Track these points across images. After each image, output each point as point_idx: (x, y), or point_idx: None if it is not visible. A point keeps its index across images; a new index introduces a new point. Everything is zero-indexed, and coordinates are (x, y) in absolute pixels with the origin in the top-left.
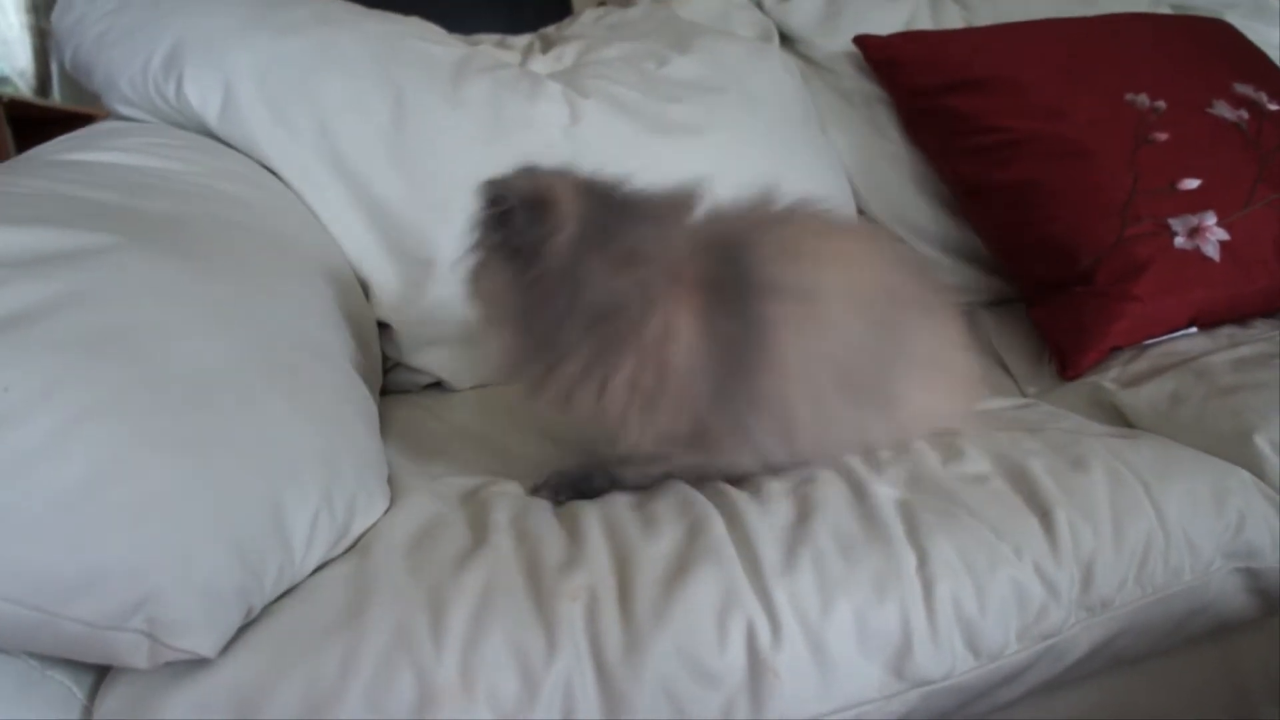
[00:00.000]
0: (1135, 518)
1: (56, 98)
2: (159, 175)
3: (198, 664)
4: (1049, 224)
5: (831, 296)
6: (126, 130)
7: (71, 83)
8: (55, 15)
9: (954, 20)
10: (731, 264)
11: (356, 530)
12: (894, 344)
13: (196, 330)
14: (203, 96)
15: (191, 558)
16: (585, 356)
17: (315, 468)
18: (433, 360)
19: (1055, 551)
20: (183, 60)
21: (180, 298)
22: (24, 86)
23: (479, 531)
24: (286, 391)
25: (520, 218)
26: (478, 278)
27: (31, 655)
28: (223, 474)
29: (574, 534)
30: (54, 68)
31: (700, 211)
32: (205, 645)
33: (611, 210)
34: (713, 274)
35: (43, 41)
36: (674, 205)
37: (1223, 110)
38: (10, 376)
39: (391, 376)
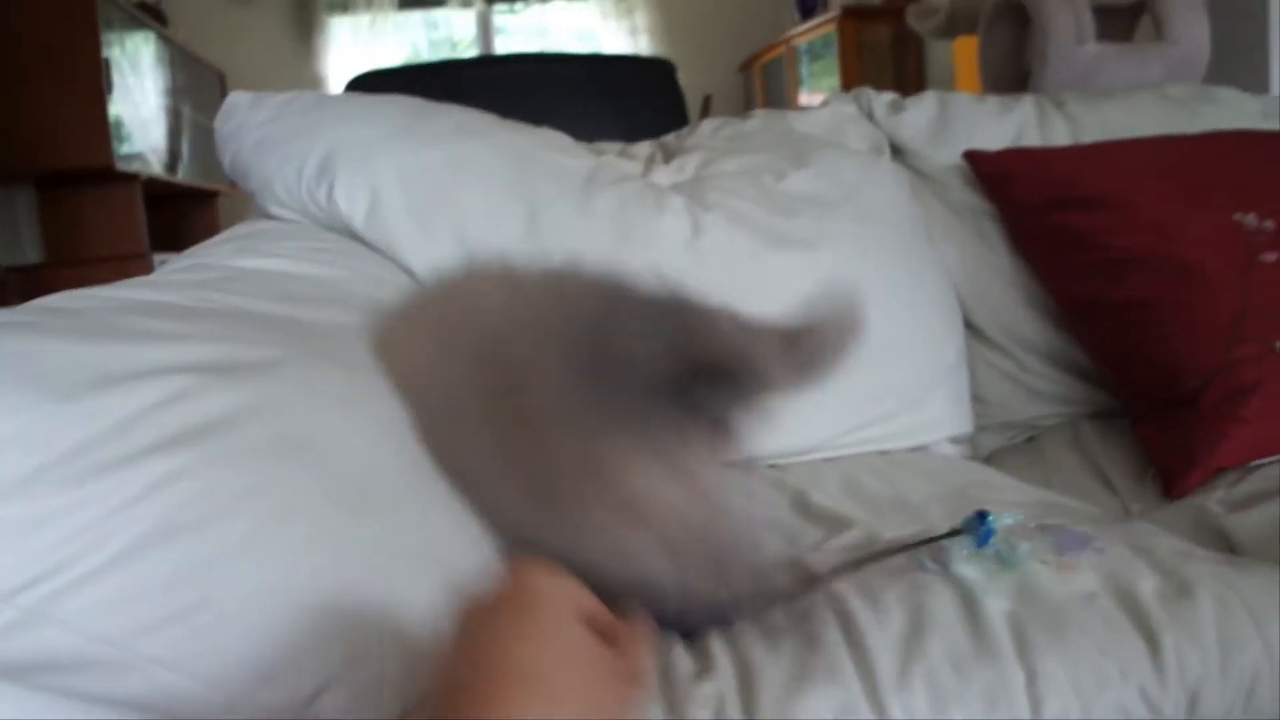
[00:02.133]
0: (1243, 647)
1: (183, 173)
2: (315, 283)
3: None
4: (1156, 343)
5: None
6: (282, 234)
7: (197, 160)
8: (217, 122)
9: (1060, 133)
10: None
11: None
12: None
13: (365, 437)
14: (351, 201)
15: (360, 655)
16: None
17: (474, 573)
18: None
19: (1161, 676)
20: (335, 167)
21: (346, 406)
22: (156, 163)
23: None
24: (446, 500)
25: None
26: None
27: None
28: (394, 575)
29: (701, 648)
30: (184, 147)
31: None
32: None
33: None
34: None
35: (176, 121)
36: None
37: None
38: (216, 478)
39: None
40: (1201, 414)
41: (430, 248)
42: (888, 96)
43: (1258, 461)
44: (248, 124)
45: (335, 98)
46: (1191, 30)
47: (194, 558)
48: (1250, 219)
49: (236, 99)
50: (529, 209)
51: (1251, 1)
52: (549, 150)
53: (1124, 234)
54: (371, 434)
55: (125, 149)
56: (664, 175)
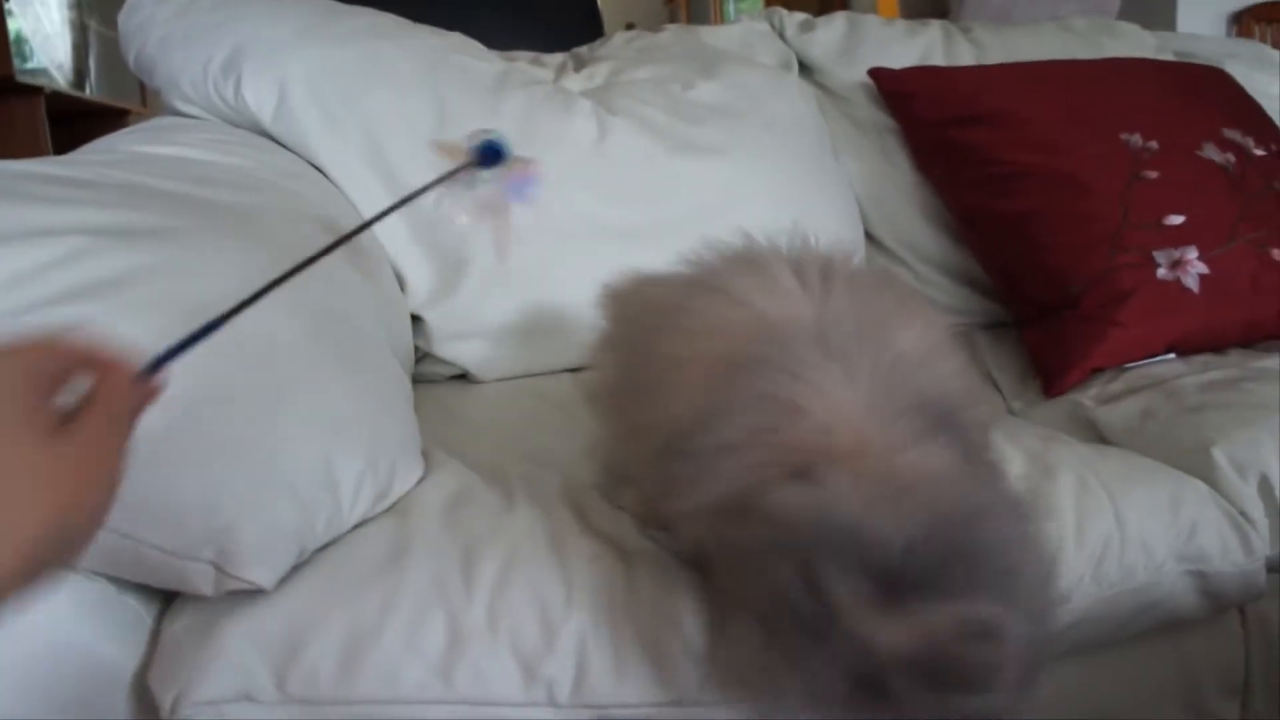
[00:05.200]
0: (1096, 520)
1: (91, 91)
2: (222, 169)
3: (255, 595)
4: (1043, 252)
5: None
6: (188, 126)
7: (107, 77)
8: (121, 16)
9: (966, 57)
10: None
11: (396, 492)
12: None
13: (268, 306)
14: (259, 98)
15: (256, 498)
16: None
17: (363, 433)
18: (461, 353)
19: None
20: (241, 64)
21: (251, 276)
22: (61, 79)
23: (507, 500)
24: (341, 367)
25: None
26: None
27: (110, 580)
28: (286, 429)
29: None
30: (91, 62)
31: None
32: (264, 577)
33: None
34: None
35: (82, 36)
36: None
37: (1211, 153)
38: (124, 330)
39: (420, 367)
40: (1081, 317)
41: (338, 145)
42: (800, 16)
43: (1131, 365)
44: (154, 19)
45: None
46: None
47: None
48: (1135, 139)
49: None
50: (437, 109)
51: None
52: (459, 53)
53: (1016, 149)
54: (274, 303)
55: (31, 65)
56: (574, 83)
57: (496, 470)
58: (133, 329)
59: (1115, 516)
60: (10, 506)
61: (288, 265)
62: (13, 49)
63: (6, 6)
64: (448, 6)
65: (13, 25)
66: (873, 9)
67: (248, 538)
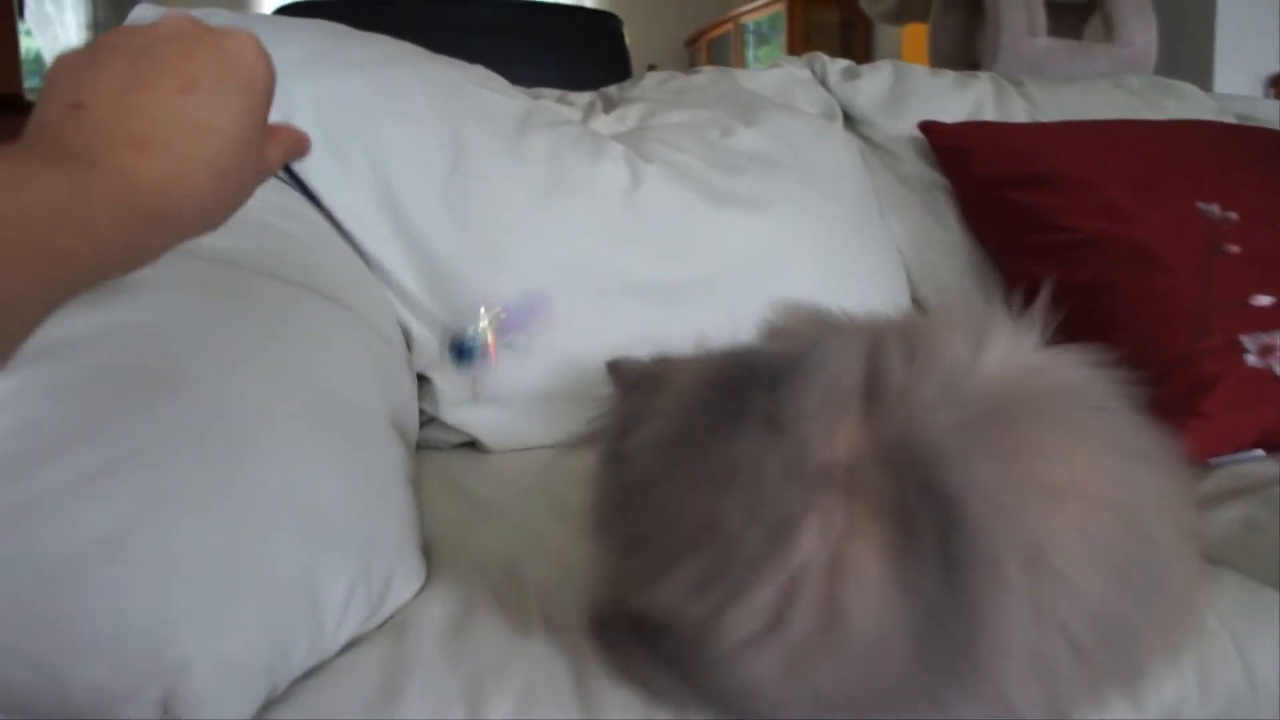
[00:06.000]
0: (1221, 671)
1: None
2: None
3: None
4: (1114, 330)
5: (1070, 557)
6: None
7: None
8: None
9: (1018, 113)
10: (931, 496)
11: (392, 606)
12: (1144, 602)
13: (243, 375)
14: None
15: (218, 622)
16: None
17: (355, 535)
18: (471, 420)
19: (1138, 703)
20: None
21: (230, 339)
22: None
23: (522, 617)
24: (331, 450)
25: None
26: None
27: None
28: (261, 534)
29: None
30: None
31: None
32: None
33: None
34: (899, 499)
35: None
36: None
37: None
38: (43, 411)
39: (424, 432)
40: (1159, 407)
41: (344, 182)
42: (842, 63)
43: (1217, 460)
44: None
45: (251, 15)
46: (1140, 34)
47: (11, 502)
48: (1214, 209)
49: (142, 12)
50: (455, 147)
51: (1198, 6)
52: (481, 87)
53: (1081, 215)
54: (252, 371)
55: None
56: (604, 125)
57: (510, 574)
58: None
59: (1243, 666)
60: (206, 131)
61: (265, 324)
62: (29, 68)
63: (24, 27)
64: (465, 34)
65: (31, 45)
66: (897, 54)
67: (205, 672)
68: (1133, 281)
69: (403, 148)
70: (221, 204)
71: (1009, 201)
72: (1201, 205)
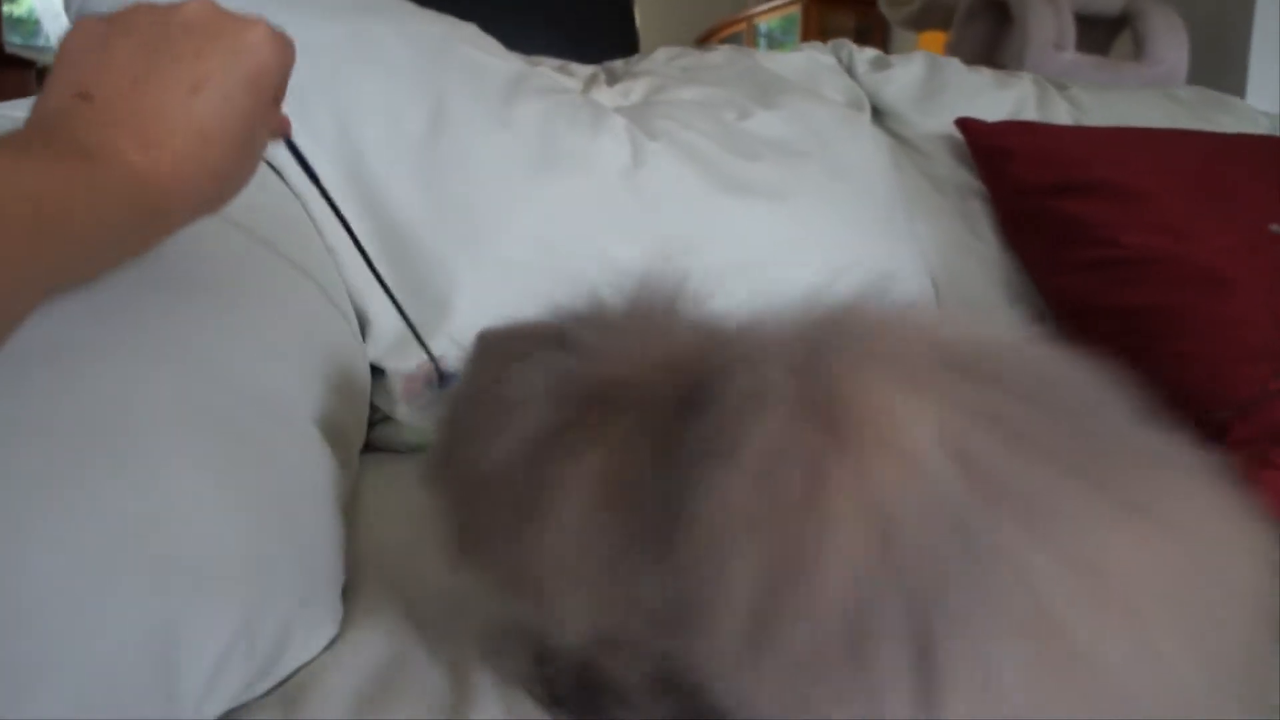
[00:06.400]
0: None
1: None
2: None
3: None
4: (1175, 361)
5: None
6: None
7: None
8: None
9: (1062, 116)
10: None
11: (289, 666)
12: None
13: (125, 352)
14: None
15: (25, 692)
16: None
17: (237, 576)
18: (432, 418)
19: None
20: None
21: (122, 314)
22: None
23: (459, 688)
24: (221, 462)
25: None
26: None
27: None
28: (96, 577)
29: None
30: None
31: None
32: None
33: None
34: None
35: None
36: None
37: None
38: None
39: (375, 432)
40: (1229, 452)
41: (305, 139)
42: (871, 52)
43: None
44: None
45: None
46: (1171, 52)
47: None
48: None
49: None
50: (433, 108)
51: (1234, 27)
52: (468, 45)
53: (1137, 230)
54: (140, 356)
55: (41, 41)
56: (606, 97)
57: (454, 614)
58: None
59: None
60: (209, 138)
61: (176, 298)
62: (23, 28)
63: None
64: (474, 6)
65: (26, 4)
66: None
67: None
68: (1197, 308)
69: (373, 106)
70: (217, 199)
71: (1054, 211)
72: (1275, 227)
